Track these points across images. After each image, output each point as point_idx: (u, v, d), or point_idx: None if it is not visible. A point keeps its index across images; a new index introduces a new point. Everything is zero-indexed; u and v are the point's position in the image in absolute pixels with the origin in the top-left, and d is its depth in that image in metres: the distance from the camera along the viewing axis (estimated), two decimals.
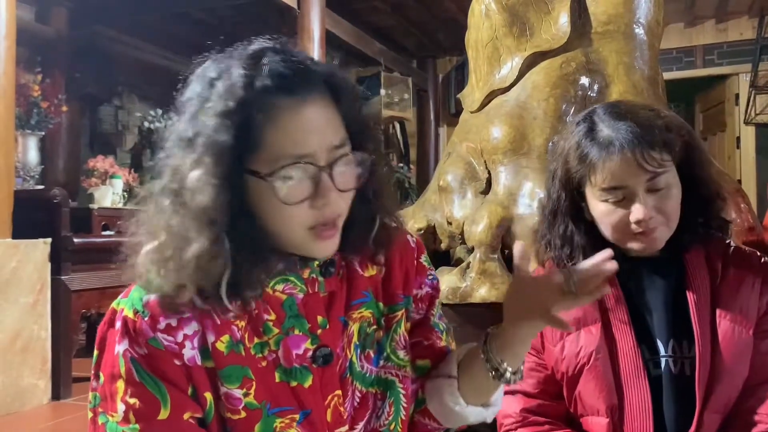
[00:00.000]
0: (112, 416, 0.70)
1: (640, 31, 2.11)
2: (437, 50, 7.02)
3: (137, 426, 0.69)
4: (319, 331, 0.78)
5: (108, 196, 3.99)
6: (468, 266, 1.95)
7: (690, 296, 1.07)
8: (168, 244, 0.70)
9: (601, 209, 1.07)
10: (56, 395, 3.11)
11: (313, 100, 0.72)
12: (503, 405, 1.15)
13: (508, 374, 0.83)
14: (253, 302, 0.75)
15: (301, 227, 0.73)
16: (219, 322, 0.73)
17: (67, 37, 4.93)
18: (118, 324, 0.72)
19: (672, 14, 5.66)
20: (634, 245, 1.07)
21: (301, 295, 0.78)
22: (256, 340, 0.75)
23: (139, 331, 0.71)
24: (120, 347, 0.71)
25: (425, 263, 0.93)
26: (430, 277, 0.93)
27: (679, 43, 6.15)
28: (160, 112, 5.80)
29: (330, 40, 4.89)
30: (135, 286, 0.74)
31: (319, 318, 0.78)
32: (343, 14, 5.25)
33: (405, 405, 0.85)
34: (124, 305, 0.73)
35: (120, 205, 4.09)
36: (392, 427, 0.83)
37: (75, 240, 3.22)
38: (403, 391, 0.84)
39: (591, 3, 2.14)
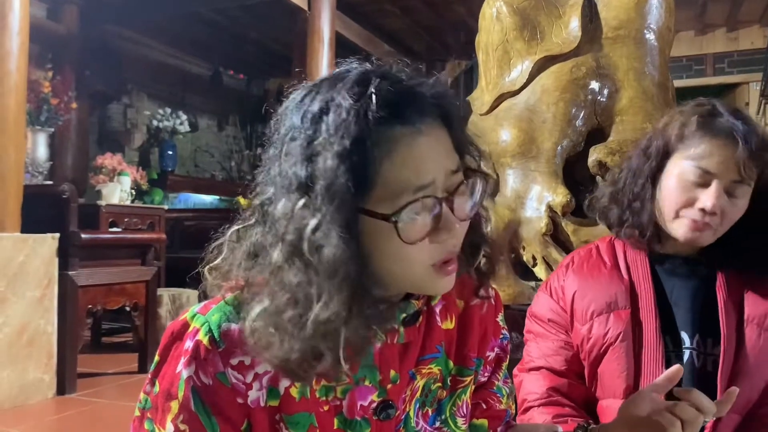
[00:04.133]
0: (160, 430, 0.68)
1: (651, 36, 2.11)
2: (446, 54, 7.03)
3: None
4: (389, 386, 0.73)
5: (116, 193, 4.01)
6: None
7: (720, 295, 1.09)
8: (288, 304, 0.63)
9: (675, 181, 1.09)
10: (61, 390, 3.12)
11: (428, 126, 0.65)
12: (528, 382, 1.16)
13: None
14: None
15: (422, 265, 0.66)
16: None
17: (78, 35, 4.97)
18: (189, 344, 0.67)
19: (683, 22, 5.65)
20: (680, 230, 1.08)
21: (379, 345, 0.72)
22: (323, 382, 0.70)
23: (210, 362, 0.66)
24: (185, 372, 0.67)
25: (501, 322, 0.88)
26: (502, 338, 0.88)
27: (690, 51, 6.15)
28: (168, 110, 5.83)
29: (339, 43, 4.90)
30: (220, 303, 0.69)
31: (392, 372, 0.74)
32: (353, 16, 5.27)
33: None
34: (200, 325, 0.68)
35: (127, 203, 4.11)
36: None
37: (83, 236, 3.24)
38: None
39: (602, 8, 2.14)
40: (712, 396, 1.02)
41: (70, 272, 3.19)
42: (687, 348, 1.08)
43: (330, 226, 0.61)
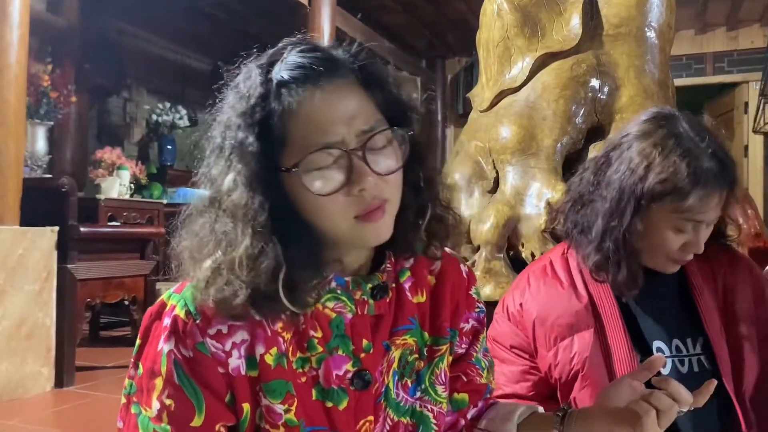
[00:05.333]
0: (146, 410, 0.70)
1: (651, 34, 2.11)
2: (447, 51, 7.03)
3: (168, 427, 0.68)
4: (362, 355, 0.76)
5: (115, 187, 4.00)
6: (473, 265, 1.95)
7: (695, 293, 1.09)
8: (216, 250, 0.69)
9: (666, 232, 1.05)
10: (59, 383, 3.12)
11: (337, 87, 0.70)
12: None
13: None
14: (302, 316, 0.73)
15: (344, 219, 0.70)
16: (269, 334, 0.72)
17: (78, 29, 4.96)
18: (167, 320, 0.70)
19: (683, 21, 5.65)
20: (664, 267, 1.08)
21: (350, 315, 0.76)
22: (299, 354, 0.73)
23: (188, 334, 0.69)
24: (166, 346, 0.69)
25: (474, 295, 0.90)
26: (478, 310, 0.90)
27: (690, 50, 6.15)
28: (168, 105, 5.82)
29: (339, 39, 4.89)
30: (190, 283, 0.73)
31: (364, 341, 0.76)
32: (354, 12, 5.26)
33: None
34: (176, 302, 0.71)
35: (127, 197, 4.11)
36: None
37: (81, 229, 3.24)
38: (435, 428, 0.82)
39: (603, 5, 2.15)
40: (720, 396, 1.03)
41: (68, 266, 3.19)
42: (668, 357, 1.06)
43: (239, 179, 0.68)
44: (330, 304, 0.75)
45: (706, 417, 1.04)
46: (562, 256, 1.18)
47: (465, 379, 0.89)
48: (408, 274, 0.82)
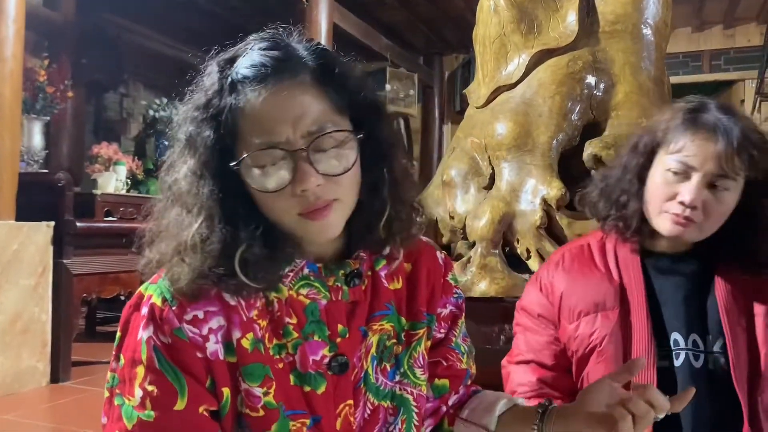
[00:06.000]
0: (129, 399, 0.71)
1: (647, 31, 2.12)
2: (444, 47, 7.02)
3: (153, 413, 0.69)
4: (338, 340, 0.77)
5: (111, 182, 4.00)
6: (469, 261, 1.96)
7: (719, 292, 1.09)
8: (173, 234, 0.72)
9: (659, 175, 1.10)
10: (55, 378, 3.13)
11: (287, 86, 0.71)
12: (516, 373, 1.18)
13: None
14: (276, 303, 0.75)
15: (288, 215, 0.72)
16: (245, 320, 0.73)
17: (75, 23, 4.94)
18: (145, 310, 0.72)
19: (680, 18, 5.65)
20: (664, 225, 1.09)
21: (324, 302, 0.77)
22: (275, 341, 0.75)
23: (165, 320, 0.71)
24: (144, 334, 0.71)
25: (452, 281, 0.92)
26: (456, 296, 0.92)
27: (687, 48, 6.15)
28: (165, 100, 5.81)
29: (336, 35, 4.89)
30: (164, 273, 0.74)
31: (340, 326, 0.78)
32: (351, 8, 5.25)
33: (417, 424, 0.84)
34: (153, 291, 0.73)
35: (123, 192, 4.10)
36: None
37: (78, 224, 3.24)
38: (416, 410, 0.83)
39: (599, 2, 2.15)
40: (730, 397, 1.03)
41: (64, 260, 3.20)
42: (682, 349, 1.07)
43: (191, 169, 0.72)
44: (303, 291, 0.77)
45: (717, 420, 1.04)
46: (600, 240, 1.22)
47: (445, 364, 0.90)
48: (383, 262, 0.84)
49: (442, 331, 0.90)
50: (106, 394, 0.74)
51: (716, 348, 1.07)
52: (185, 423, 0.70)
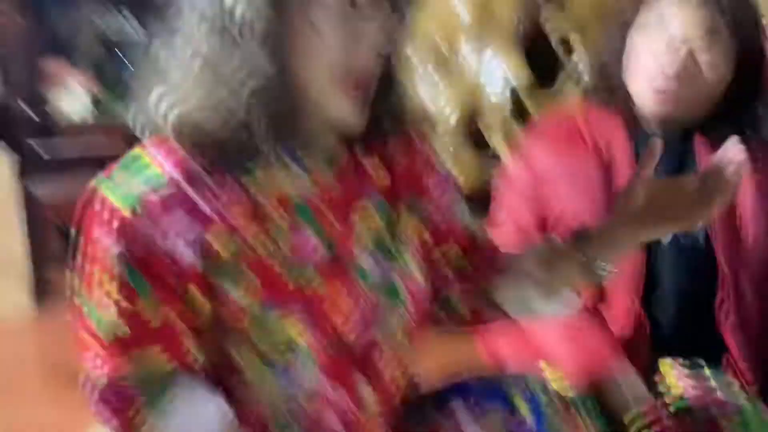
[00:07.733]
0: (98, 307, 0.69)
1: None
2: None
3: (125, 328, 0.68)
4: (327, 229, 0.76)
5: (73, 104, 3.88)
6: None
7: (699, 160, 1.09)
8: (204, 66, 0.68)
9: (646, 47, 1.06)
10: (35, 307, 3.13)
11: None
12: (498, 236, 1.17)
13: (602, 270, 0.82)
14: (260, 197, 0.72)
15: (327, 72, 0.69)
16: (223, 222, 0.70)
17: None
18: (106, 215, 0.69)
19: None
20: (651, 100, 1.06)
21: (309, 191, 0.76)
22: (261, 236, 0.72)
23: (136, 233, 0.67)
24: (114, 248, 0.67)
25: (440, 169, 0.91)
26: (446, 181, 0.91)
27: None
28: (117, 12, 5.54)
29: None
30: (122, 160, 0.72)
31: (329, 216, 0.77)
32: None
33: (412, 314, 0.83)
34: (113, 195, 0.69)
35: (89, 117, 3.99)
36: (398, 336, 0.82)
37: (41, 150, 3.16)
38: (409, 297, 0.83)
39: None
40: (704, 268, 1.05)
41: (33, 189, 3.15)
42: None
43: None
44: (288, 182, 0.74)
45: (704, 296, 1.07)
46: (585, 117, 1.18)
47: (452, 238, 0.90)
48: (369, 153, 0.82)
49: (443, 217, 0.90)
50: (71, 301, 0.73)
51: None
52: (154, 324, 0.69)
